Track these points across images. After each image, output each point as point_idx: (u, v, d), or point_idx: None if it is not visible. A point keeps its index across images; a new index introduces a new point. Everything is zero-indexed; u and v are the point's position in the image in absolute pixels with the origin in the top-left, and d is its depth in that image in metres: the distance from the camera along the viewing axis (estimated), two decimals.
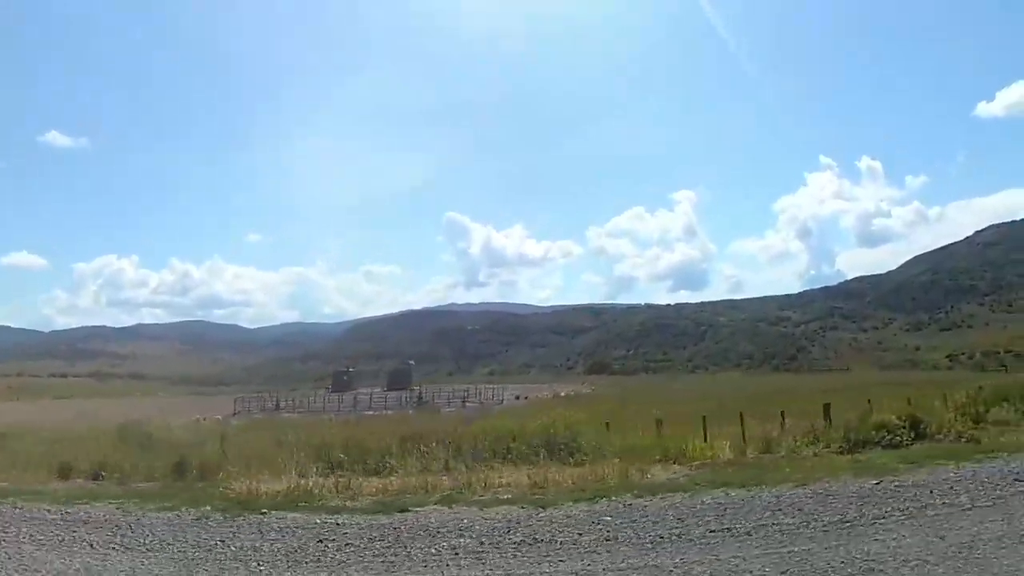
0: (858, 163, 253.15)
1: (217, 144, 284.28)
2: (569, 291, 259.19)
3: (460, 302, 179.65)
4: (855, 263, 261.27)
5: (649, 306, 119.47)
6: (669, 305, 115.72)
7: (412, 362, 60.30)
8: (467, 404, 29.72)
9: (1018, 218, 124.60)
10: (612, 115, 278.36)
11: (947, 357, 77.63)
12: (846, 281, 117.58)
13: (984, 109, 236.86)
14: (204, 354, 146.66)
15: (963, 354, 74.35)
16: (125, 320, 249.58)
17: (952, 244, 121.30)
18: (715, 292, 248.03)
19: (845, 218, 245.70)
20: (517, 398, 33.71)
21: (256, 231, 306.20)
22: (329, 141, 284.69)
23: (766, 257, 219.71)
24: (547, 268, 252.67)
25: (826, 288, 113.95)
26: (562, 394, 33.35)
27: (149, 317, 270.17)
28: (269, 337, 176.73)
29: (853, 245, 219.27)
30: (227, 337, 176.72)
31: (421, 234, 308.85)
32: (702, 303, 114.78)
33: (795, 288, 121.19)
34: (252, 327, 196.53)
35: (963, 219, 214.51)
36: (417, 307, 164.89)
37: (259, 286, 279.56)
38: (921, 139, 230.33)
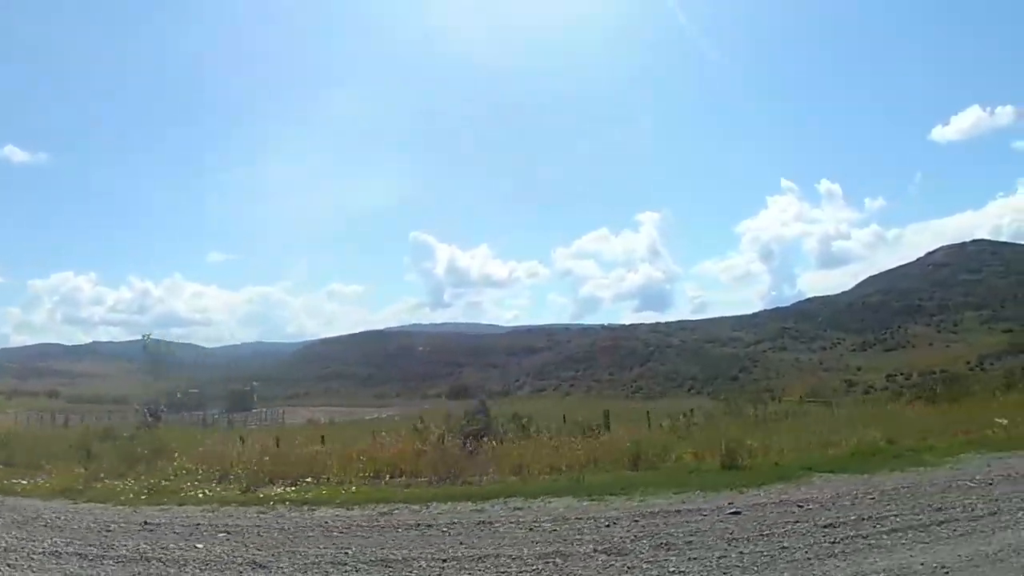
0: (818, 186, 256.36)
1: (180, 161, 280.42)
2: (535, 312, 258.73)
3: (425, 322, 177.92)
4: (816, 284, 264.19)
5: (604, 327, 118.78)
6: (624, 326, 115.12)
7: (256, 384, 58.43)
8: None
9: (968, 240, 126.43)
10: (579, 137, 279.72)
11: (886, 377, 77.58)
12: (799, 302, 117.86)
13: (939, 133, 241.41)
14: (152, 374, 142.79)
15: (900, 374, 74.25)
16: (81, 338, 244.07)
17: (904, 265, 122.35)
18: (679, 313, 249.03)
19: (806, 240, 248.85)
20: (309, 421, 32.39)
21: (218, 250, 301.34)
22: (294, 161, 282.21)
23: (729, 278, 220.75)
24: (513, 289, 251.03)
25: (778, 309, 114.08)
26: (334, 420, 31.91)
27: (105, 335, 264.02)
28: (226, 356, 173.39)
29: (814, 266, 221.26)
30: (184, 356, 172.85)
31: (387, 254, 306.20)
32: (657, 324, 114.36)
33: (758, 309, 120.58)
34: (210, 346, 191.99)
35: (920, 241, 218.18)
36: (380, 327, 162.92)
37: (220, 305, 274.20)
38: (879, 162, 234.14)
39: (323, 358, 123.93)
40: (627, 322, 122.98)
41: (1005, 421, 11.46)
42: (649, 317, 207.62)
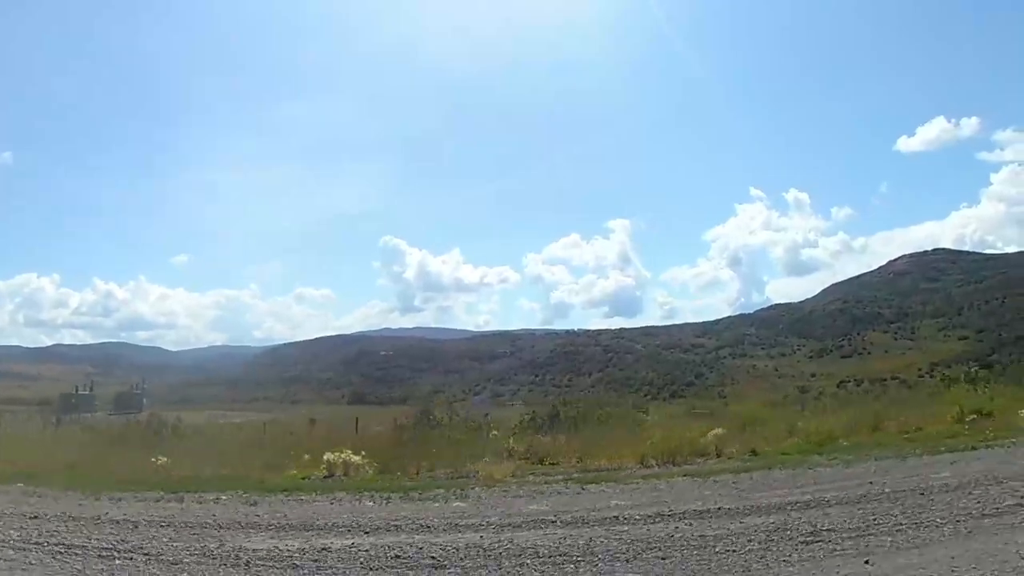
0: (786, 195, 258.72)
1: (146, 163, 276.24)
2: (506, 317, 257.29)
3: (394, 327, 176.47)
4: (783, 292, 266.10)
5: (569, 332, 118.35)
6: (587, 331, 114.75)
7: (145, 386, 57.24)
8: None
9: (929, 248, 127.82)
10: (551, 144, 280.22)
11: (838, 384, 77.77)
12: (761, 309, 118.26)
13: (905, 144, 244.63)
14: (115, 377, 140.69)
15: (852, 380, 74.42)
16: (43, 340, 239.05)
17: (865, 274, 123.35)
18: (649, 319, 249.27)
19: (774, 248, 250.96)
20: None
21: (184, 252, 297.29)
22: (264, 165, 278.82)
23: (698, 285, 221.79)
24: (484, 294, 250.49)
25: (742, 316, 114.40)
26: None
27: (69, 338, 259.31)
28: (191, 360, 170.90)
29: (781, 274, 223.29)
30: (147, 360, 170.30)
31: (357, 259, 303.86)
32: (621, 329, 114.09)
33: (725, 315, 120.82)
34: (175, 349, 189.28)
35: (886, 250, 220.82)
36: (349, 332, 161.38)
37: (186, 308, 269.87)
38: (846, 172, 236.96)
39: (284, 362, 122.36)
40: (597, 327, 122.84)
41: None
42: (619, 323, 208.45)
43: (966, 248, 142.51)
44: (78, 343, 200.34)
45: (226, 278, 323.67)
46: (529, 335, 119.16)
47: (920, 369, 77.98)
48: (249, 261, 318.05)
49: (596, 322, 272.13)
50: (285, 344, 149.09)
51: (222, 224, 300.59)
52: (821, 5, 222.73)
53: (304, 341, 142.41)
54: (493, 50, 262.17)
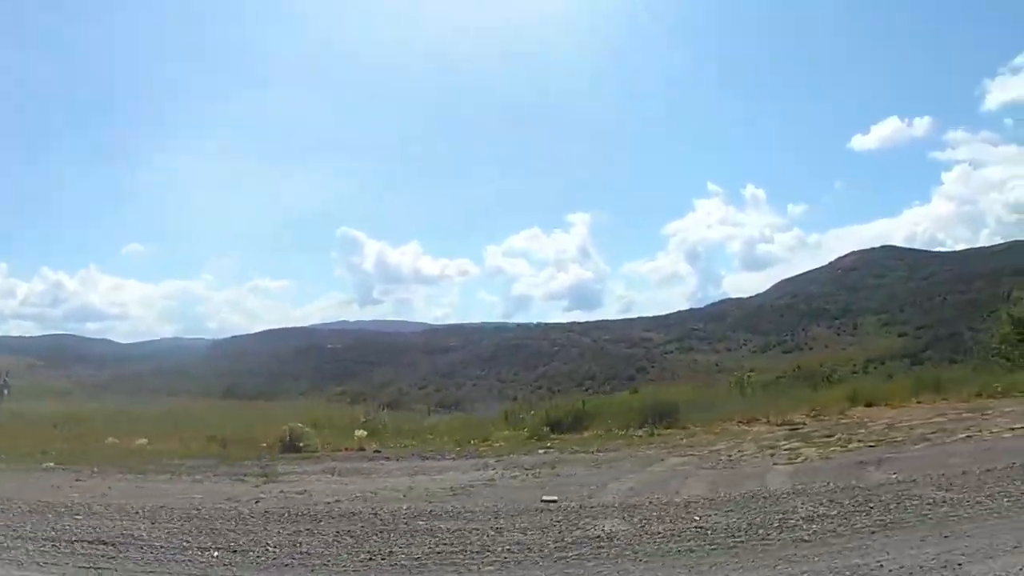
0: (743, 191, 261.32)
1: (97, 152, 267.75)
2: (466, 310, 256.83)
3: (352, 319, 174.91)
4: (740, 286, 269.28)
5: (520, 326, 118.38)
6: (537, 325, 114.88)
7: (7, 378, 55.40)
8: None
9: (877, 245, 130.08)
10: (511, 137, 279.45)
11: (777, 378, 78.82)
12: (712, 304, 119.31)
13: (859, 142, 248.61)
14: (61, 369, 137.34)
15: (781, 377, 75.31)
16: None
17: (815, 270, 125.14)
18: (608, 312, 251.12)
19: (731, 243, 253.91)
20: None
21: (137, 242, 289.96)
22: (220, 156, 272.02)
23: (656, 279, 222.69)
24: (444, 286, 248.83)
25: (692, 310, 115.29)
26: None
27: (16, 330, 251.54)
28: (142, 352, 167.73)
29: (738, 269, 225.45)
30: (96, 352, 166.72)
31: (315, 250, 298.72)
32: (572, 323, 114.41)
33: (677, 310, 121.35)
34: (126, 342, 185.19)
35: (840, 247, 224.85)
36: (306, 324, 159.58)
37: (138, 299, 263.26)
38: (801, 169, 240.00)
39: (231, 355, 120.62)
40: (556, 321, 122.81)
41: None
42: (578, 316, 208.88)
43: (917, 246, 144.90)
44: (24, 334, 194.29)
45: (180, 269, 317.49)
46: (479, 329, 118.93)
47: (855, 364, 79.21)
48: (204, 252, 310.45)
49: (556, 315, 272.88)
50: (233, 337, 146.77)
51: (177, 214, 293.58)
52: (779, 5, 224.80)
53: (254, 334, 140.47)
54: (451, 43, 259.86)
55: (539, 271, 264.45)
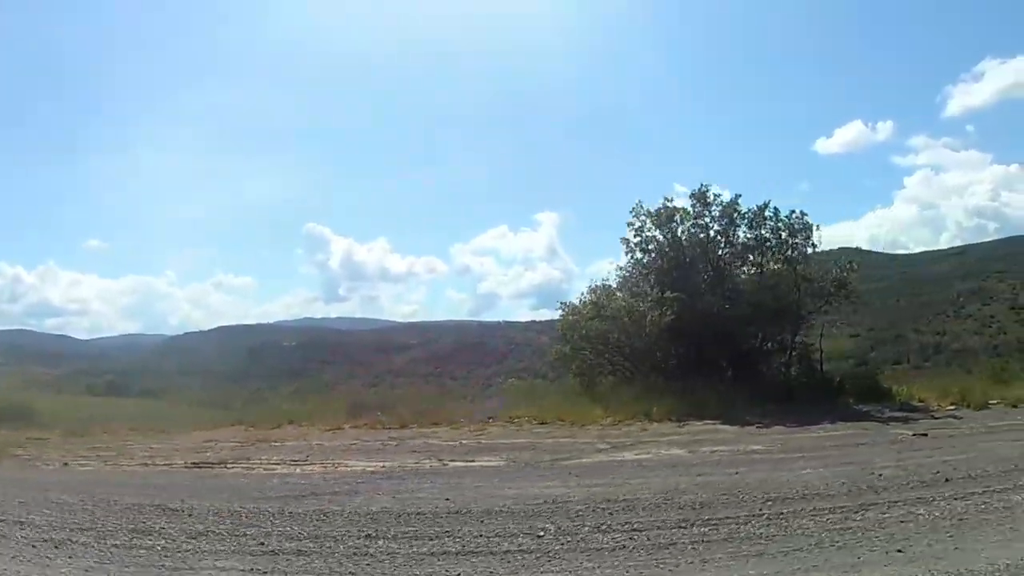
0: (708, 192, 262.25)
1: (54, 145, 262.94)
2: (433, 307, 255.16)
3: (318, 316, 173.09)
4: None
5: (479, 324, 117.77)
6: (496, 323, 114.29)
7: None
8: None
9: (834, 247, 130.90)
10: (479, 135, 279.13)
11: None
12: None
13: (823, 145, 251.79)
14: (14, 366, 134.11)
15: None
16: None
17: None
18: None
19: None
20: None
21: (97, 236, 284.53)
22: (183, 149, 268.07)
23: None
24: (411, 284, 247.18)
25: None
26: None
27: None
28: (101, 349, 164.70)
29: None
30: (54, 348, 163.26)
31: (280, 246, 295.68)
32: (532, 322, 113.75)
33: None
34: (85, 338, 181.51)
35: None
36: (269, 321, 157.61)
37: (98, 294, 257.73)
38: (766, 172, 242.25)
39: (182, 352, 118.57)
40: (523, 319, 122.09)
41: None
42: (546, 315, 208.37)
43: (879, 248, 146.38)
44: None
45: (141, 264, 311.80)
46: (439, 327, 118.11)
47: None
48: (166, 247, 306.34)
49: (523, 314, 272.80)
50: (187, 334, 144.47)
51: (138, 209, 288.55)
52: (745, 9, 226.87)
53: (207, 331, 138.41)
54: (422, 39, 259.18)
55: (507, 269, 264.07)
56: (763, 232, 20.03)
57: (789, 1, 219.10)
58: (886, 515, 6.03)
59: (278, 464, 10.48)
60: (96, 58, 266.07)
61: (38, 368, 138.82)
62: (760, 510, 6.35)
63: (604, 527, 5.96)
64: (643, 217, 19.58)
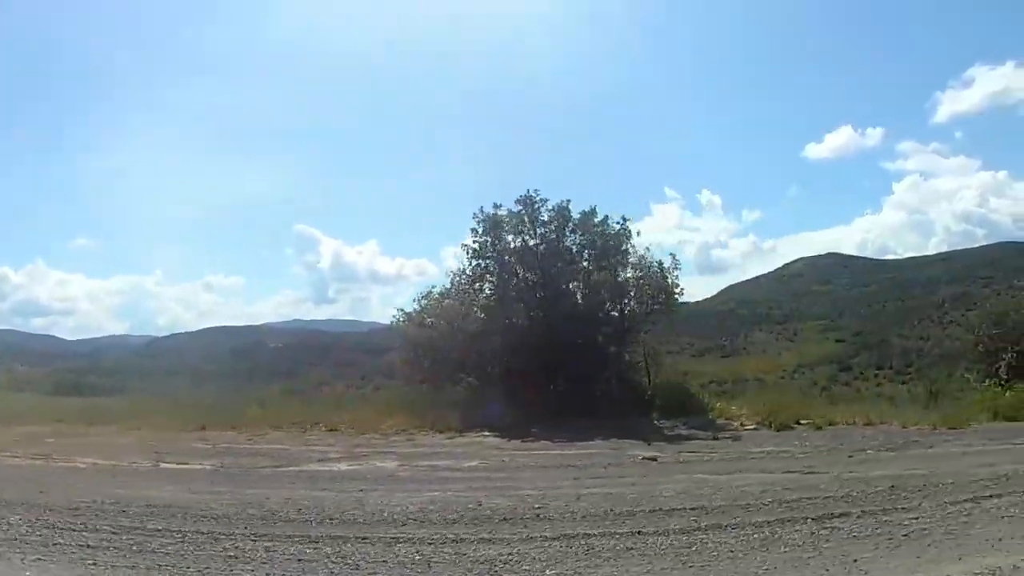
0: (699, 196, 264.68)
1: (45, 143, 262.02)
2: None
3: (307, 318, 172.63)
4: (695, 291, 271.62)
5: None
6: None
7: None
8: None
9: (823, 252, 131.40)
10: (469, 137, 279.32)
11: (710, 382, 78.71)
12: None
13: (812, 151, 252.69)
14: (3, 365, 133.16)
15: (713, 382, 75.17)
16: None
17: (762, 276, 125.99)
18: None
19: (687, 247, 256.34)
20: None
21: (85, 236, 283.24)
22: (171, 149, 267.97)
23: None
24: (401, 286, 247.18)
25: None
26: None
27: None
28: (88, 348, 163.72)
29: (694, 273, 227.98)
30: (40, 348, 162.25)
31: (270, 247, 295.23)
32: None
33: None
34: (71, 338, 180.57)
35: (793, 253, 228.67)
36: (258, 322, 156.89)
37: (86, 294, 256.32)
38: (756, 176, 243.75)
39: (167, 353, 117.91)
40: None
41: None
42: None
43: (868, 254, 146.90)
44: None
45: (130, 264, 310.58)
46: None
47: (784, 370, 79.66)
48: (155, 246, 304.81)
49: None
50: (173, 335, 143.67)
51: (127, 208, 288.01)
52: (736, 17, 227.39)
53: (194, 331, 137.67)
54: (414, 40, 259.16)
55: None
56: (589, 238, 18.44)
57: (780, 9, 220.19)
58: (432, 551, 5.60)
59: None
60: (86, 56, 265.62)
61: (21, 368, 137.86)
62: (309, 532, 6.21)
63: (162, 531, 6.27)
64: (482, 223, 18.73)
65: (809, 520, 6.17)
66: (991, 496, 6.86)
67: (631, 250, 18.41)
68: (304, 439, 13.65)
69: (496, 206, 18.24)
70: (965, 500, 6.73)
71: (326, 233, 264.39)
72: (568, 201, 18.29)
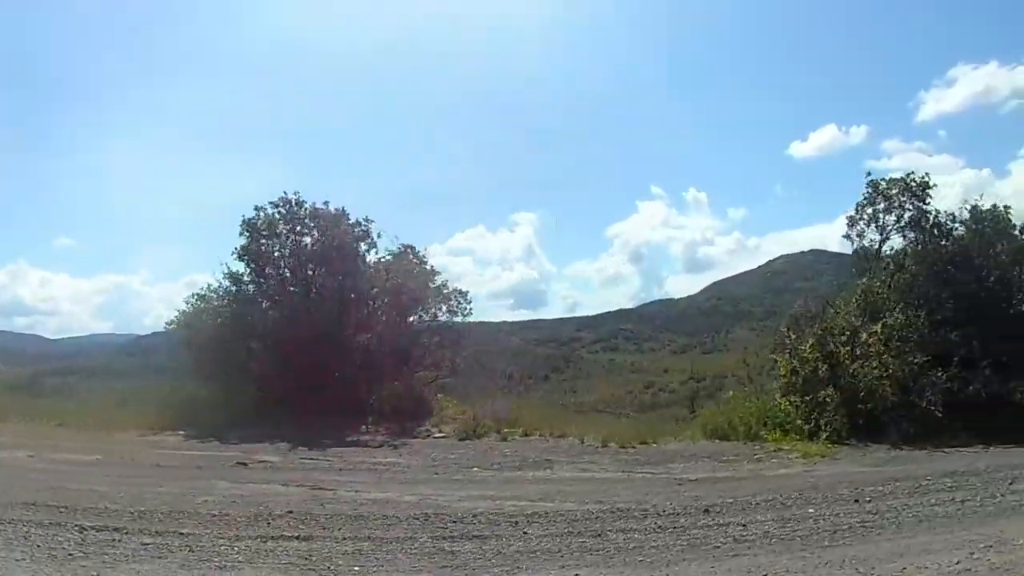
0: (685, 194, 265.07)
1: (24, 141, 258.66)
2: None
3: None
4: (681, 288, 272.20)
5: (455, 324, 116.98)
6: (468, 323, 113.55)
7: None
8: None
9: (806, 249, 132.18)
10: (456, 135, 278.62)
11: (690, 379, 79.25)
12: (643, 304, 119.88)
13: (797, 149, 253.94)
14: None
15: (692, 378, 75.88)
16: None
17: (746, 272, 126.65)
18: (552, 311, 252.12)
19: (673, 245, 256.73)
20: None
21: (68, 235, 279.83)
22: (157, 148, 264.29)
23: (600, 279, 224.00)
24: None
25: (621, 311, 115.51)
26: None
27: None
28: (71, 348, 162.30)
29: (680, 270, 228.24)
30: (22, 348, 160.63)
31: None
32: (503, 322, 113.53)
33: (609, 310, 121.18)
34: (54, 337, 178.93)
35: (779, 250, 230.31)
36: None
37: (69, 293, 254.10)
38: (741, 174, 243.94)
39: (145, 352, 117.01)
40: (498, 320, 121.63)
41: None
42: (524, 315, 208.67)
43: (850, 251, 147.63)
44: None
45: (113, 263, 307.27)
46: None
47: (763, 367, 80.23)
48: (140, 246, 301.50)
49: (501, 314, 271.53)
50: (154, 334, 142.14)
51: (111, 207, 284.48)
52: (720, 15, 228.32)
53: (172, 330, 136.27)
54: (399, 39, 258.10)
55: (484, 270, 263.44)
56: (330, 240, 18.44)
57: (764, 8, 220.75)
58: None
59: None
60: (67, 52, 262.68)
61: (3, 367, 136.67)
62: None
63: None
64: (243, 225, 18.46)
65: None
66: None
67: (372, 258, 18.82)
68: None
69: (257, 208, 18.42)
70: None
71: None
72: (327, 203, 18.69)
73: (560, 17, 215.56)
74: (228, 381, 17.57)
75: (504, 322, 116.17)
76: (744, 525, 6.51)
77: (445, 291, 19.53)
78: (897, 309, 14.02)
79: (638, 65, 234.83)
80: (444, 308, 19.74)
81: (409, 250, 19.33)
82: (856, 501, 7.37)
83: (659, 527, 6.53)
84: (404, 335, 18.87)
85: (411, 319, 19.45)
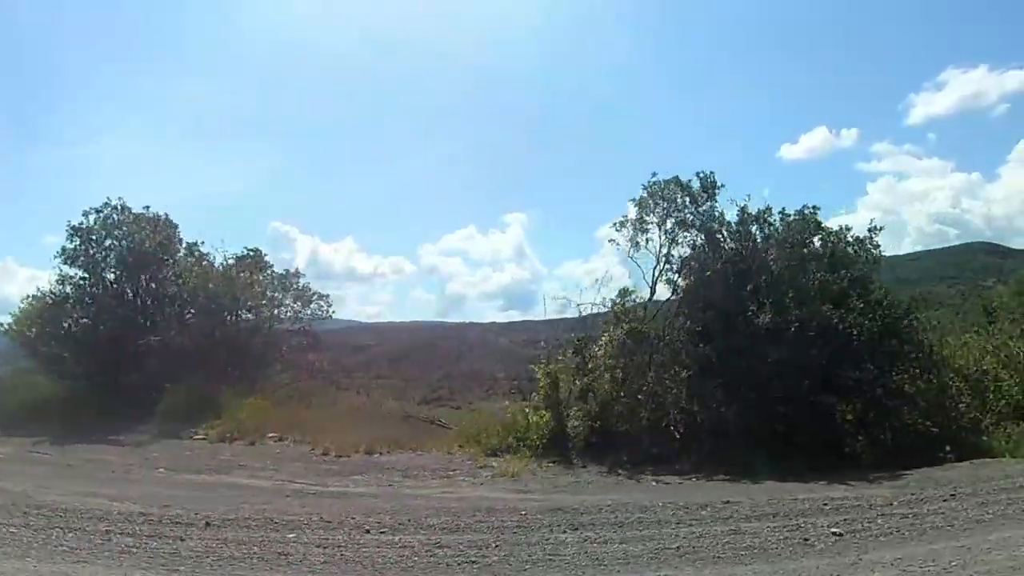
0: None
1: (10, 135, 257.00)
2: (400, 308, 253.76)
3: (284, 315, 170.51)
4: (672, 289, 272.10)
5: (438, 325, 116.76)
6: (452, 324, 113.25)
7: None
8: None
9: None
10: (448, 135, 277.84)
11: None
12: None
13: (787, 151, 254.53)
14: None
15: None
16: None
17: None
18: (544, 312, 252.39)
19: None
20: None
21: (54, 232, 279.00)
22: (145, 143, 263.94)
23: (590, 280, 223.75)
24: (377, 284, 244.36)
25: (605, 312, 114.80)
26: None
27: None
28: None
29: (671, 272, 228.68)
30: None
31: (245, 244, 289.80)
32: (492, 323, 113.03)
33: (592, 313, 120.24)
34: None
35: None
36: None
37: None
38: (731, 176, 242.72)
39: None
40: (489, 320, 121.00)
41: None
42: (515, 316, 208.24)
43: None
44: None
45: None
46: (395, 328, 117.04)
47: None
48: None
49: (491, 315, 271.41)
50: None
51: (98, 202, 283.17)
52: (710, 16, 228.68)
53: None
54: (389, 35, 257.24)
55: (475, 270, 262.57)
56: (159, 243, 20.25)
57: (754, 9, 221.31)
58: None
59: None
60: (55, 45, 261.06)
61: None
62: None
63: None
64: (69, 231, 19.72)
65: None
66: None
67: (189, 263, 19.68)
68: None
69: (85, 213, 19.37)
70: None
71: (302, 230, 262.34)
72: (147, 207, 19.82)
73: (552, 18, 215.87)
74: (45, 379, 18.52)
75: (492, 323, 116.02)
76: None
77: (307, 295, 20.27)
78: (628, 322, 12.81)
79: (627, 65, 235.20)
80: (308, 312, 20.36)
81: (252, 254, 20.14)
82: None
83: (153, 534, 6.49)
84: (241, 336, 19.76)
85: (240, 321, 19.76)
